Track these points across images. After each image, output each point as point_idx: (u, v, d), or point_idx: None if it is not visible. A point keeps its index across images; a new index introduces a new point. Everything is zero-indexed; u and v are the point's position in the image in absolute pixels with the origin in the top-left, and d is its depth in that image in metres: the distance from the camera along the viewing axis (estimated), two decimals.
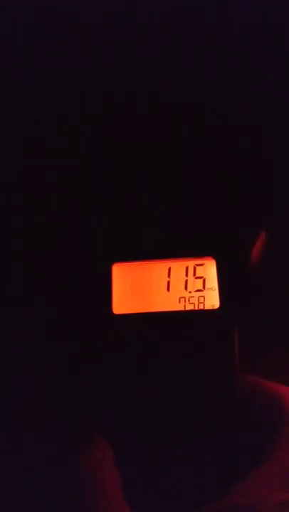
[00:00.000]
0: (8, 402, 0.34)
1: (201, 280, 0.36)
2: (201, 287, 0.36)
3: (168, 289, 0.36)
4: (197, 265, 0.36)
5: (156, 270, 0.36)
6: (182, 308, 0.35)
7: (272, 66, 0.37)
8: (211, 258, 0.36)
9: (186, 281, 0.36)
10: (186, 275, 0.36)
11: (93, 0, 0.36)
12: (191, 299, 0.36)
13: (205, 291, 0.36)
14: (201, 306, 0.35)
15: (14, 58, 0.37)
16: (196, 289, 0.36)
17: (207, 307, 0.35)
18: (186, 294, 0.36)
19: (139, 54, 0.37)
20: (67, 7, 0.36)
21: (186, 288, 0.36)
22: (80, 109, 0.38)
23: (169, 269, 0.36)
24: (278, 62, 0.37)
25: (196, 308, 0.35)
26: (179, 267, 0.36)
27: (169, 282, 0.36)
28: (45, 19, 0.36)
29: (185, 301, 0.36)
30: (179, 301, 0.36)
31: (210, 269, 0.36)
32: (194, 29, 0.36)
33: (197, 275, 0.36)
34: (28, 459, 0.33)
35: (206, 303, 0.35)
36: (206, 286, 0.36)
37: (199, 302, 0.35)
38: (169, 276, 0.36)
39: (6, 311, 0.36)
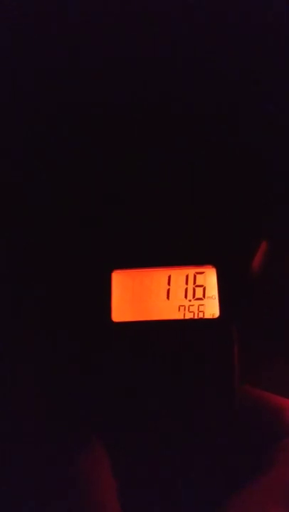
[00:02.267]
0: (8, 404, 0.34)
1: (201, 288, 0.35)
2: (201, 296, 0.35)
3: (168, 297, 0.36)
4: (197, 273, 0.36)
5: (156, 278, 0.36)
6: (182, 317, 0.35)
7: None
8: (211, 266, 0.36)
9: (186, 290, 0.36)
10: (186, 283, 0.36)
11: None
12: (190, 307, 0.35)
13: (205, 299, 0.35)
14: (200, 315, 0.35)
15: (14, 57, 0.37)
16: (196, 297, 0.35)
17: (207, 316, 0.35)
18: (186, 303, 0.35)
19: (140, 55, 0.37)
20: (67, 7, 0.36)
21: (186, 296, 0.36)
22: (82, 115, 0.38)
23: (169, 277, 0.36)
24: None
25: (196, 316, 0.35)
26: (179, 274, 0.36)
27: (168, 290, 0.36)
28: (45, 19, 0.36)
29: (185, 310, 0.35)
30: (179, 310, 0.35)
31: (210, 277, 0.35)
32: (195, 30, 0.36)
33: (197, 283, 0.36)
34: (25, 459, 0.33)
35: (205, 312, 0.35)
36: (206, 295, 0.35)
37: (199, 311, 0.35)
38: (169, 284, 0.36)
39: (6, 318, 0.36)
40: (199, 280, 0.36)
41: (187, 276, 0.36)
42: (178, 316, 0.35)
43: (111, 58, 0.37)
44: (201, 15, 0.35)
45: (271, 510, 0.26)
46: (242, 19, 0.36)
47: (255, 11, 0.35)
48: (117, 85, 0.37)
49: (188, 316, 0.35)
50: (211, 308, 0.35)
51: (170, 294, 0.36)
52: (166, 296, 0.36)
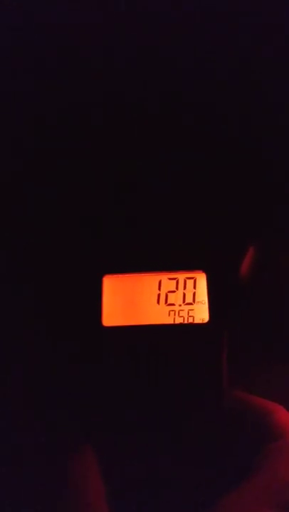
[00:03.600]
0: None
1: (191, 293, 0.36)
2: (191, 301, 0.36)
3: (158, 302, 0.36)
4: (187, 278, 0.36)
5: (146, 283, 0.36)
6: (172, 322, 0.35)
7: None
8: (201, 271, 0.36)
9: (176, 295, 0.36)
10: (177, 288, 0.36)
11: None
12: (180, 312, 0.36)
13: (195, 304, 0.36)
14: (190, 320, 0.35)
15: (14, 57, 0.37)
16: (186, 302, 0.36)
17: (196, 321, 0.35)
18: (176, 308, 0.36)
19: (140, 55, 0.37)
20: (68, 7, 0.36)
21: (176, 301, 0.36)
22: (75, 120, 0.38)
23: (160, 282, 0.36)
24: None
25: (186, 321, 0.35)
26: (169, 279, 0.36)
27: (159, 295, 0.36)
28: (45, 19, 0.37)
29: (175, 315, 0.36)
30: (169, 314, 0.36)
31: (200, 282, 0.36)
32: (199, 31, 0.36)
33: (187, 288, 0.36)
34: (14, 465, 0.33)
35: (195, 316, 0.35)
36: (196, 300, 0.36)
37: (189, 316, 0.36)
38: (159, 289, 0.36)
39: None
40: (189, 285, 0.36)
41: (177, 282, 0.36)
42: (168, 320, 0.36)
43: (111, 58, 0.37)
44: (201, 15, 0.36)
45: None
46: (242, 19, 0.36)
47: (255, 11, 0.36)
48: (118, 85, 0.38)
49: (178, 320, 0.36)
50: (201, 313, 0.35)
51: (160, 298, 0.36)
52: (156, 300, 0.36)
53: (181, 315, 0.36)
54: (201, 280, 0.36)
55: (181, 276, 0.36)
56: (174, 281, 0.36)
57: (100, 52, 0.37)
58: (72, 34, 0.37)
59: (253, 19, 0.37)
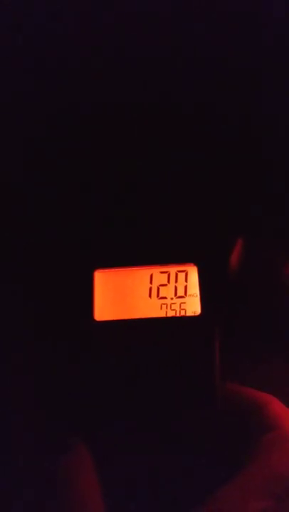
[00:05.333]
0: None
1: (183, 286, 0.36)
2: (182, 294, 0.35)
3: (150, 296, 0.36)
4: (179, 272, 0.36)
5: (138, 277, 0.36)
6: (164, 315, 0.35)
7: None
8: (192, 264, 0.36)
9: (168, 288, 0.36)
10: (168, 281, 0.36)
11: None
12: (172, 305, 0.35)
13: (186, 297, 0.35)
14: (182, 313, 0.35)
15: (14, 57, 0.38)
16: (177, 295, 0.36)
17: (188, 314, 0.35)
18: (168, 301, 0.36)
19: (140, 55, 0.37)
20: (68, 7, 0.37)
21: (167, 294, 0.36)
22: (66, 119, 0.38)
23: (151, 276, 0.36)
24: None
25: (178, 314, 0.35)
26: (160, 273, 0.36)
27: (150, 289, 0.36)
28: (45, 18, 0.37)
29: (167, 308, 0.35)
30: (161, 308, 0.35)
31: (192, 275, 0.36)
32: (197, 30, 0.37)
33: (179, 282, 0.36)
34: (10, 463, 0.32)
35: (187, 309, 0.35)
36: (188, 293, 0.35)
37: (181, 309, 0.35)
38: (151, 282, 0.36)
39: None
40: (181, 278, 0.36)
41: (169, 275, 0.36)
42: (160, 314, 0.35)
43: (111, 58, 0.37)
44: (201, 15, 0.36)
45: (252, 504, 0.26)
46: (242, 19, 0.36)
47: (256, 11, 0.36)
48: (117, 85, 0.38)
49: (171, 313, 0.35)
50: (193, 306, 0.35)
51: (152, 292, 0.36)
52: (148, 294, 0.36)
53: (173, 308, 0.35)
54: (193, 273, 0.36)
55: (173, 269, 0.36)
56: (166, 275, 0.36)
57: (100, 53, 0.38)
58: (72, 34, 0.37)
59: (253, 19, 0.37)
